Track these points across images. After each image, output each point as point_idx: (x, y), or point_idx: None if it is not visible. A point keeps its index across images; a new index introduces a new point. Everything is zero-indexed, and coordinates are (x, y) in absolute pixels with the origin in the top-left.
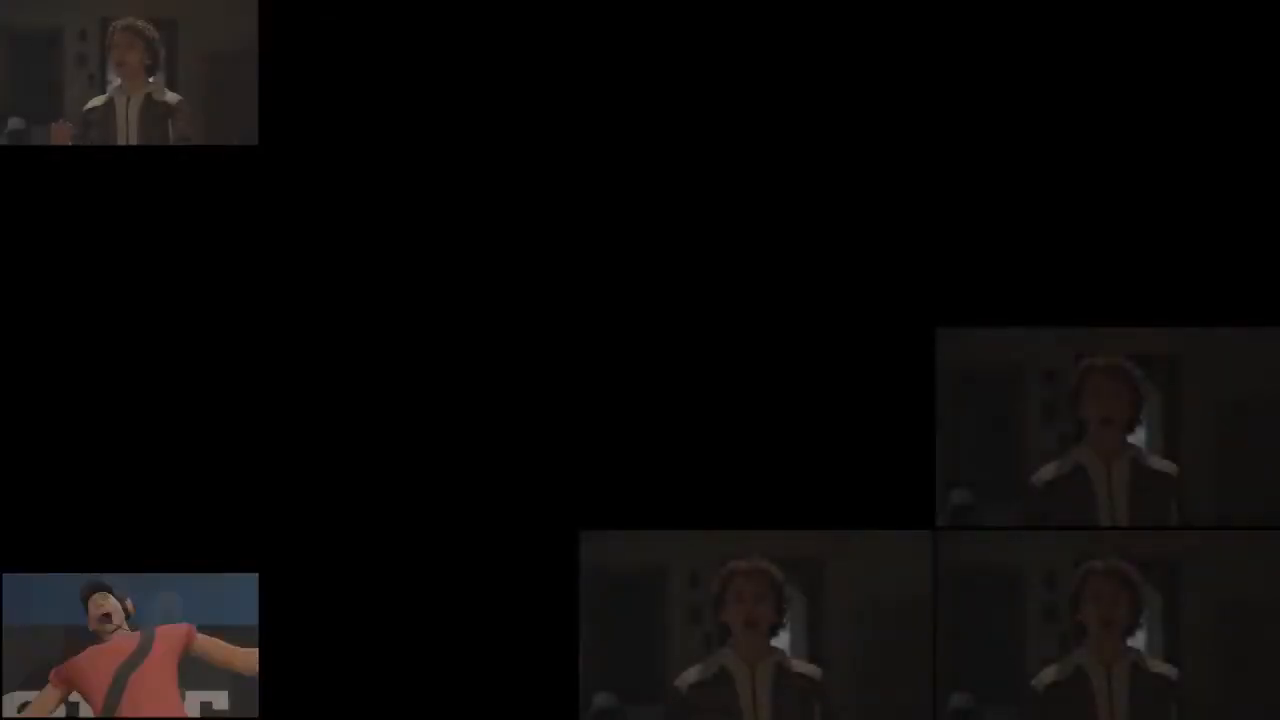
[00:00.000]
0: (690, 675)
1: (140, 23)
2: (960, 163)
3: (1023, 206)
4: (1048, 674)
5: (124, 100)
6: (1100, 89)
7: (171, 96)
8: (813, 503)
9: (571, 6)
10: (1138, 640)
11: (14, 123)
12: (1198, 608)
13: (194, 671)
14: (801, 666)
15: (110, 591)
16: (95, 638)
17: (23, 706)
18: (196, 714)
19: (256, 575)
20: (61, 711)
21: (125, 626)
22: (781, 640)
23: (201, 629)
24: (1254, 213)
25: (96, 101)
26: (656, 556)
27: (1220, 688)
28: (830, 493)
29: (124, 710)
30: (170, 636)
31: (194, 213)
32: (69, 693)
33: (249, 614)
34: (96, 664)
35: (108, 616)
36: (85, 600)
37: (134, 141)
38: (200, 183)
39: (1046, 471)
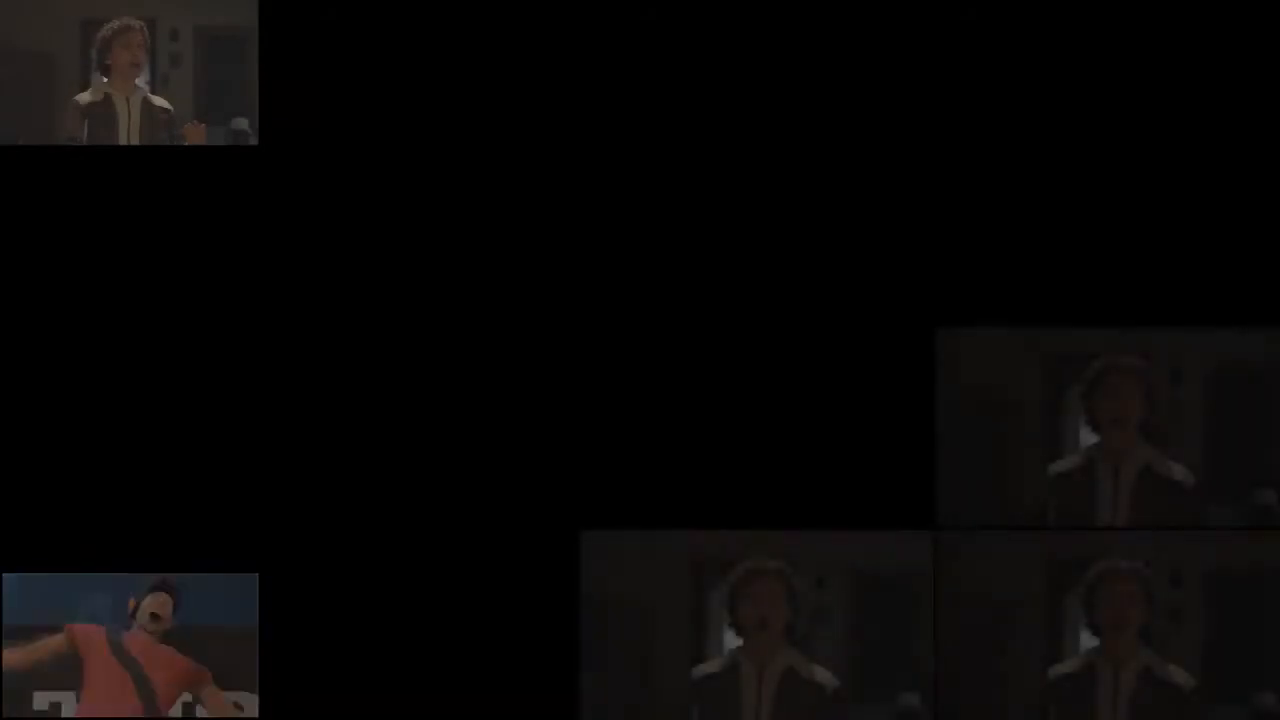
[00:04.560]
0: (698, 673)
1: (141, 23)
2: (961, 163)
3: (1023, 207)
4: (1057, 670)
5: (125, 101)
6: (1101, 89)
7: (174, 97)
8: (813, 503)
9: (572, 5)
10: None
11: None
12: (1198, 608)
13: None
14: (809, 668)
15: (173, 595)
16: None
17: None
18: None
19: (256, 575)
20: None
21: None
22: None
23: (201, 629)
24: (1255, 213)
25: (92, 96)
26: (657, 556)
27: (1223, 688)
28: (830, 493)
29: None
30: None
31: (194, 213)
32: (72, 650)
33: (249, 614)
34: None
35: (156, 616)
36: (143, 594)
37: (136, 141)
38: (200, 183)
39: (1052, 470)
